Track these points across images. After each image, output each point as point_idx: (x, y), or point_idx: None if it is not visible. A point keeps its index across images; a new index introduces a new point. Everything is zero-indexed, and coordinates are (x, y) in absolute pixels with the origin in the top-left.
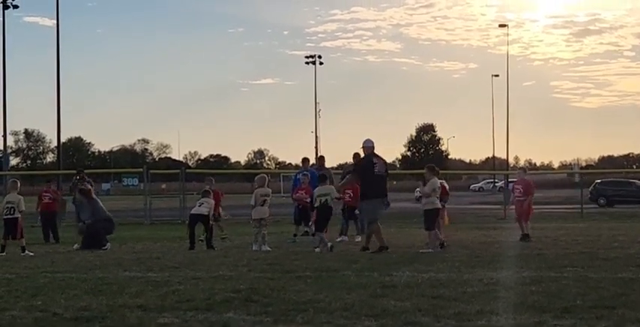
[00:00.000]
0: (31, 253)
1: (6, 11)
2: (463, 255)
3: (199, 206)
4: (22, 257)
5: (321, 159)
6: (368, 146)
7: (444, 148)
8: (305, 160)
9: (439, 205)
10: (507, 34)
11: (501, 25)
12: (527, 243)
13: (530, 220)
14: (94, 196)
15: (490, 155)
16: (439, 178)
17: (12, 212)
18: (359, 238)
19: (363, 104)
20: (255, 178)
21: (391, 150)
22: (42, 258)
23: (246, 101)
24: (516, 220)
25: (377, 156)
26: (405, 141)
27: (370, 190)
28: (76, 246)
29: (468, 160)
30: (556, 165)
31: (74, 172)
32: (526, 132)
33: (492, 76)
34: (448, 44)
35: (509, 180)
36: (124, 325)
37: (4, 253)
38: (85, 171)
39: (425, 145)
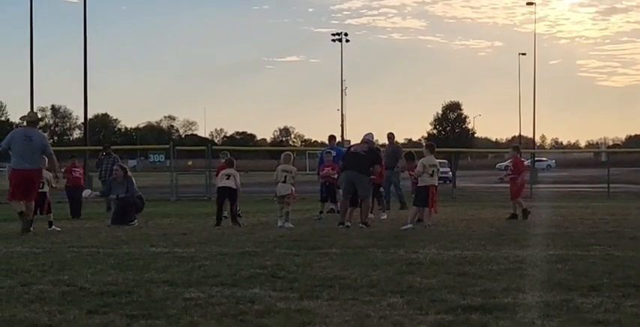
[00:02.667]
0: (58, 229)
1: None
2: (489, 233)
3: (227, 179)
4: (48, 232)
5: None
6: (366, 139)
7: (470, 126)
8: (331, 138)
9: (430, 183)
10: (534, 13)
11: (529, 3)
12: (527, 221)
13: (521, 198)
14: (130, 174)
15: (516, 134)
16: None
17: (41, 186)
18: (384, 216)
19: (389, 82)
20: (281, 155)
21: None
22: (68, 233)
23: (271, 79)
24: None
25: (366, 145)
26: (431, 119)
27: (344, 165)
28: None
29: (494, 139)
30: (583, 144)
31: (101, 148)
32: (553, 111)
33: (519, 54)
34: (474, 22)
35: (536, 159)
36: (150, 299)
37: (32, 228)
38: (112, 147)
39: (451, 123)
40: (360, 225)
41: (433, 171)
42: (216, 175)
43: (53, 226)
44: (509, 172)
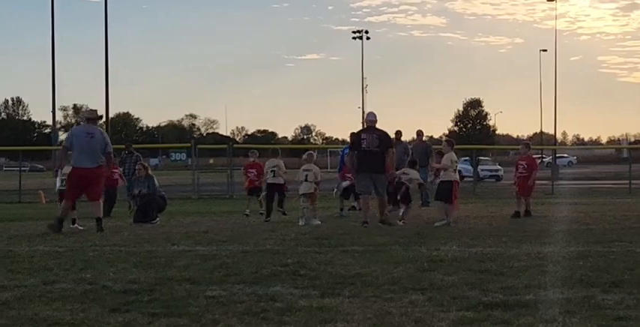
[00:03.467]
0: (81, 227)
1: None
2: (510, 230)
3: (272, 176)
4: (71, 230)
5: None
6: (369, 120)
7: (491, 123)
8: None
9: (454, 178)
10: (555, 9)
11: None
12: (532, 220)
13: (531, 196)
14: (151, 172)
15: (538, 130)
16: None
17: (61, 184)
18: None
19: (409, 79)
20: (304, 154)
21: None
22: (91, 231)
23: (292, 77)
24: (516, 196)
25: (374, 130)
26: (452, 116)
27: (358, 165)
28: (131, 220)
29: (515, 136)
30: (604, 140)
31: (122, 147)
32: (574, 107)
33: (540, 51)
34: (494, 19)
35: (557, 155)
36: (172, 298)
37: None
38: (134, 146)
39: (472, 120)
40: (379, 223)
41: (457, 167)
42: (244, 173)
43: (76, 224)
44: (522, 171)
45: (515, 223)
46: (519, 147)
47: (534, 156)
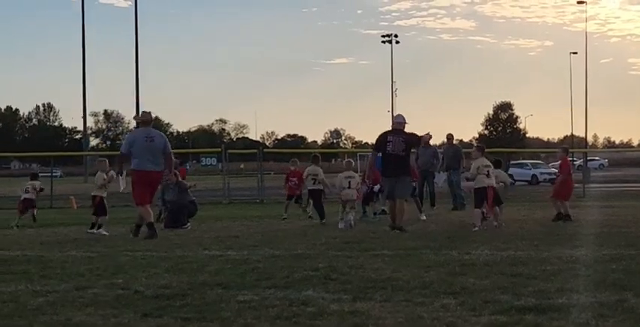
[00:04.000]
0: (105, 233)
1: None
2: (542, 233)
3: (313, 183)
4: (100, 236)
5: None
6: (397, 122)
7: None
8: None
9: (488, 183)
10: (585, 11)
11: (579, 2)
12: (567, 223)
13: (568, 200)
14: (180, 178)
15: (568, 133)
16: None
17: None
18: (424, 217)
19: (439, 83)
20: (344, 162)
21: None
22: (122, 237)
23: (321, 81)
24: (551, 199)
25: (401, 133)
26: (482, 119)
27: (384, 169)
28: (161, 226)
29: (545, 139)
30: (635, 142)
31: None
32: (605, 110)
33: (570, 53)
34: (523, 21)
35: (588, 158)
36: (204, 302)
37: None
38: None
39: (502, 123)
40: (388, 227)
41: (488, 171)
42: (286, 181)
43: (101, 229)
44: (559, 174)
45: (546, 226)
46: (556, 150)
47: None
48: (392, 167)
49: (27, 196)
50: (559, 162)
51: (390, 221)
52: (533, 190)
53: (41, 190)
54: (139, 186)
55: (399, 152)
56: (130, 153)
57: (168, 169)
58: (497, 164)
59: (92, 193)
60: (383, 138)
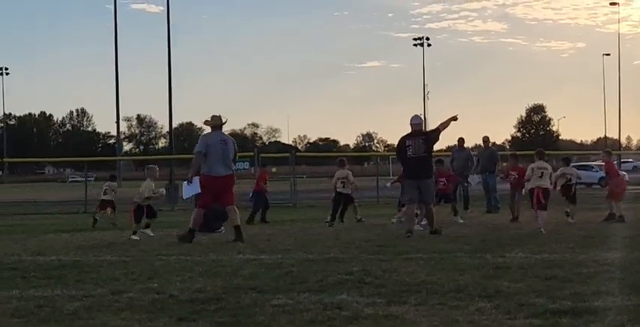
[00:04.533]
0: (137, 238)
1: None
2: (577, 235)
3: (342, 186)
4: (135, 241)
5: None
6: (414, 123)
7: (554, 128)
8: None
9: (536, 184)
10: (617, 13)
11: (612, 3)
12: (598, 225)
13: (620, 200)
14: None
15: (602, 135)
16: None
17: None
18: (460, 220)
19: (470, 85)
20: None
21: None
22: (157, 241)
23: (353, 84)
24: (608, 200)
25: (420, 134)
26: (514, 122)
27: (405, 173)
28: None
29: (579, 141)
30: None
31: (187, 157)
32: (638, 111)
33: (603, 55)
34: (555, 23)
35: (622, 160)
36: (239, 306)
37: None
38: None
39: (535, 125)
40: (432, 234)
41: (542, 173)
42: (257, 182)
43: (134, 236)
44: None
45: (582, 228)
46: (598, 152)
47: (613, 162)
48: (415, 170)
49: (105, 197)
50: (603, 165)
51: (407, 227)
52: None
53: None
54: (207, 190)
55: (420, 154)
56: (205, 155)
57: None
58: (566, 161)
59: (133, 200)
60: (402, 143)
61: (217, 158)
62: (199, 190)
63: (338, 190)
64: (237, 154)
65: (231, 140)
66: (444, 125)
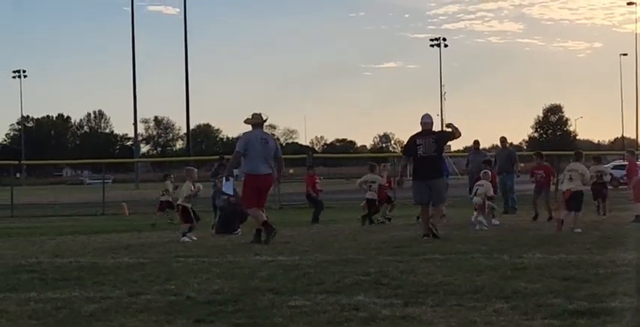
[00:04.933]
0: (187, 240)
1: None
2: (594, 236)
3: (370, 191)
4: (156, 242)
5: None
6: (424, 122)
7: (571, 129)
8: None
9: (567, 187)
10: (634, 12)
11: (629, 3)
12: (615, 226)
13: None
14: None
15: (619, 135)
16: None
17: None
18: (497, 222)
19: (487, 86)
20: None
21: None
22: (175, 243)
23: (370, 85)
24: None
25: (430, 133)
26: (531, 122)
27: (415, 173)
28: (212, 231)
29: (596, 141)
30: None
31: (204, 158)
32: None
33: (620, 55)
34: (571, 23)
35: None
36: (256, 308)
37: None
38: (214, 157)
39: (552, 126)
40: (427, 236)
41: (571, 175)
42: (307, 186)
43: (185, 237)
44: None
45: (599, 229)
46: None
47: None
48: (425, 170)
49: (163, 199)
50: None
51: (422, 229)
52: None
53: (171, 189)
54: (249, 189)
55: (431, 153)
56: (245, 154)
57: (278, 173)
58: (597, 160)
59: (177, 202)
60: (412, 142)
61: (258, 157)
62: (232, 192)
63: (367, 195)
64: (280, 150)
65: (273, 139)
66: (459, 132)
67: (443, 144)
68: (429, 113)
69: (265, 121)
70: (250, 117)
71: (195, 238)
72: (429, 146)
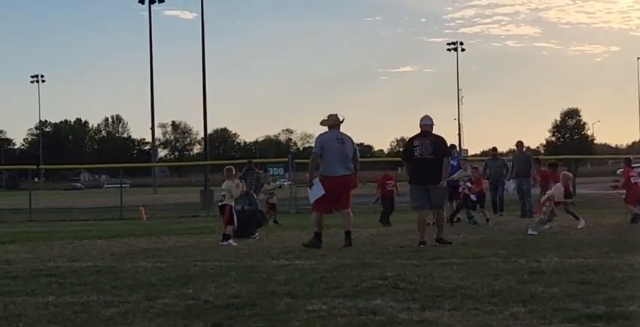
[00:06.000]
0: (234, 244)
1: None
2: (611, 240)
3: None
4: (174, 246)
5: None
6: (423, 124)
7: (589, 132)
8: (451, 147)
9: None
10: None
11: None
12: (633, 230)
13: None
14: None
15: (637, 139)
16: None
17: (222, 199)
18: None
19: (505, 90)
20: None
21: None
22: (192, 247)
23: (386, 89)
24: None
25: (429, 135)
26: (549, 126)
27: (412, 176)
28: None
29: (613, 145)
30: None
31: (222, 163)
32: None
33: (638, 58)
34: (589, 27)
35: None
36: (274, 312)
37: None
38: (231, 161)
39: (570, 130)
40: (434, 243)
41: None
42: (378, 187)
43: (230, 240)
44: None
45: (616, 233)
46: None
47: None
48: (422, 173)
49: (272, 201)
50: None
51: (419, 237)
52: (600, 197)
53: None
54: (325, 192)
55: (427, 156)
56: (321, 155)
57: (355, 174)
58: (627, 162)
59: (220, 203)
60: (409, 143)
61: (334, 158)
62: (323, 191)
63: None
64: (358, 151)
65: (350, 139)
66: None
67: (439, 152)
68: (429, 115)
69: (342, 121)
70: (326, 118)
71: (236, 244)
72: (426, 148)
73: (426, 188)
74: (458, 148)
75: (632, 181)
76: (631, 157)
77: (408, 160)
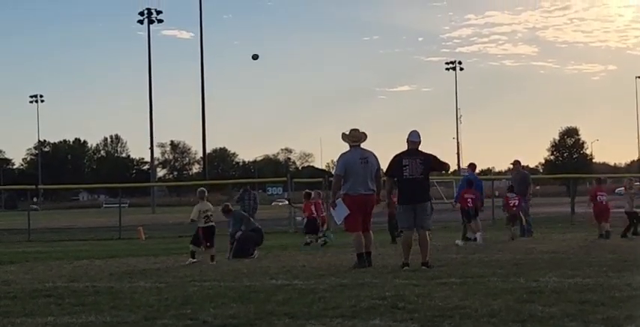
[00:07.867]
0: (191, 260)
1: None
2: (610, 259)
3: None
4: (173, 267)
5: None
6: (411, 140)
7: (588, 151)
8: (471, 165)
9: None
10: None
11: None
12: (632, 249)
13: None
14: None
15: (635, 158)
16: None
17: (211, 220)
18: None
19: (503, 109)
20: None
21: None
22: (191, 267)
23: (384, 108)
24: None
25: (418, 154)
26: (547, 145)
27: (401, 196)
28: (227, 255)
29: (612, 164)
30: None
31: (222, 182)
32: None
33: (636, 77)
34: (586, 46)
35: None
36: None
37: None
38: (230, 181)
39: (568, 149)
40: (422, 267)
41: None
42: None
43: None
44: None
45: (614, 252)
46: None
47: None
48: (411, 193)
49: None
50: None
51: (404, 258)
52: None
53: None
54: (352, 212)
55: (417, 176)
56: (345, 176)
57: (378, 192)
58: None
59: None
60: (398, 162)
61: (358, 178)
62: (348, 211)
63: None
64: (380, 169)
65: (374, 156)
66: (447, 165)
67: (429, 169)
68: (417, 131)
69: (365, 139)
70: (347, 133)
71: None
72: (416, 168)
73: (414, 208)
74: (457, 167)
75: (598, 199)
76: (602, 176)
77: (394, 178)
